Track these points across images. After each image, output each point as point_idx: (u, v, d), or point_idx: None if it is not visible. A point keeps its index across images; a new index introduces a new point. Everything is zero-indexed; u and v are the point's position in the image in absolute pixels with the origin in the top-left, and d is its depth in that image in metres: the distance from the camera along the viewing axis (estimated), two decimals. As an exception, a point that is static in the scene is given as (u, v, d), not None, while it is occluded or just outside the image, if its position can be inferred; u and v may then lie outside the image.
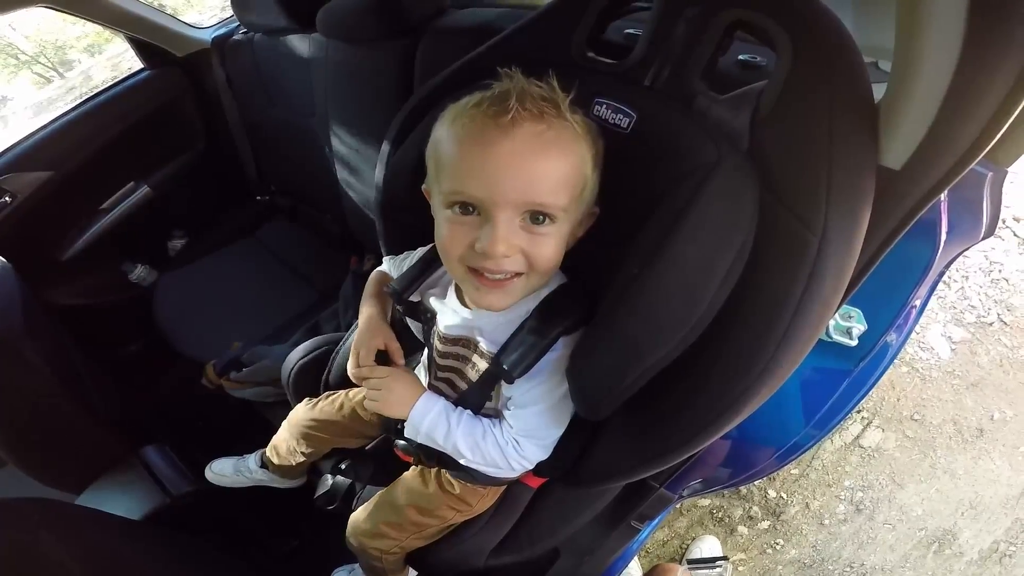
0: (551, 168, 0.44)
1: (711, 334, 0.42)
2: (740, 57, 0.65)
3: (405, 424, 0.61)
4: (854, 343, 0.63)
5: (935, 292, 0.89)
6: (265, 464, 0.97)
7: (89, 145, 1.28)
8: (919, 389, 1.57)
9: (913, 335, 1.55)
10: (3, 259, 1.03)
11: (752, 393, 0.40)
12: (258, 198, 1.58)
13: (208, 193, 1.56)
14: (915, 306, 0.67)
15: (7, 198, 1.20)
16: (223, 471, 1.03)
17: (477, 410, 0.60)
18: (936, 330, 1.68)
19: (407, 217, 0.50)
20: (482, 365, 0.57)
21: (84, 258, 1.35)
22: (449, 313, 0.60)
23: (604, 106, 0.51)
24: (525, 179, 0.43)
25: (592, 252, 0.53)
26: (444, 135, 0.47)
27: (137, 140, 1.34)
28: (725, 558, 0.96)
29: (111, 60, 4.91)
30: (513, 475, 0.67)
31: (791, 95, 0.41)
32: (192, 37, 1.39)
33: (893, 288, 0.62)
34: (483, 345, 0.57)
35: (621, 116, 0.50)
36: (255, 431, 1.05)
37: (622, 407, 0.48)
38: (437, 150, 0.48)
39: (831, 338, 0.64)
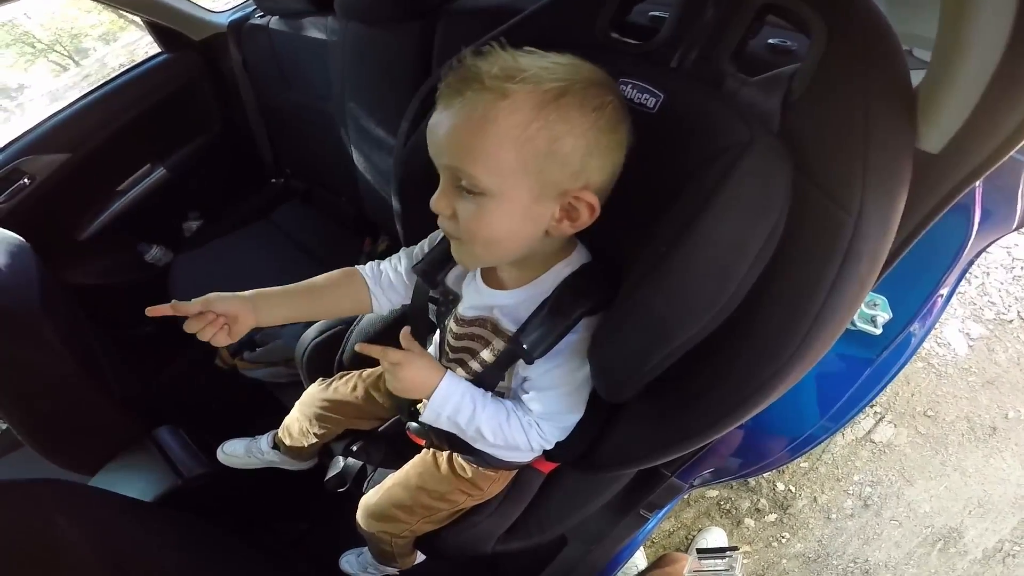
0: (471, 141, 0.44)
1: (740, 315, 0.41)
2: (770, 41, 0.63)
3: (425, 408, 0.59)
4: (878, 331, 0.62)
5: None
6: (277, 445, 0.97)
7: (106, 128, 1.29)
8: (934, 385, 1.55)
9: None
10: (22, 238, 1.04)
11: (781, 377, 0.39)
12: (273, 181, 1.59)
13: (224, 176, 1.57)
14: (941, 295, 0.66)
15: (25, 180, 1.21)
16: (235, 452, 1.04)
17: (490, 389, 0.60)
18: (954, 326, 1.65)
19: (425, 195, 0.50)
20: (499, 345, 0.57)
21: (101, 239, 1.36)
22: (471, 294, 0.60)
23: (630, 86, 0.50)
24: (445, 145, 0.46)
25: (618, 232, 0.52)
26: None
27: (153, 123, 1.35)
28: (735, 548, 0.96)
29: (126, 48, 4.93)
30: (529, 458, 0.67)
31: (826, 78, 0.41)
32: (208, 21, 1.39)
33: (920, 276, 0.61)
34: (503, 324, 0.56)
35: (647, 96, 0.49)
36: (268, 412, 1.06)
37: (643, 390, 0.47)
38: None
39: (855, 326, 0.63)
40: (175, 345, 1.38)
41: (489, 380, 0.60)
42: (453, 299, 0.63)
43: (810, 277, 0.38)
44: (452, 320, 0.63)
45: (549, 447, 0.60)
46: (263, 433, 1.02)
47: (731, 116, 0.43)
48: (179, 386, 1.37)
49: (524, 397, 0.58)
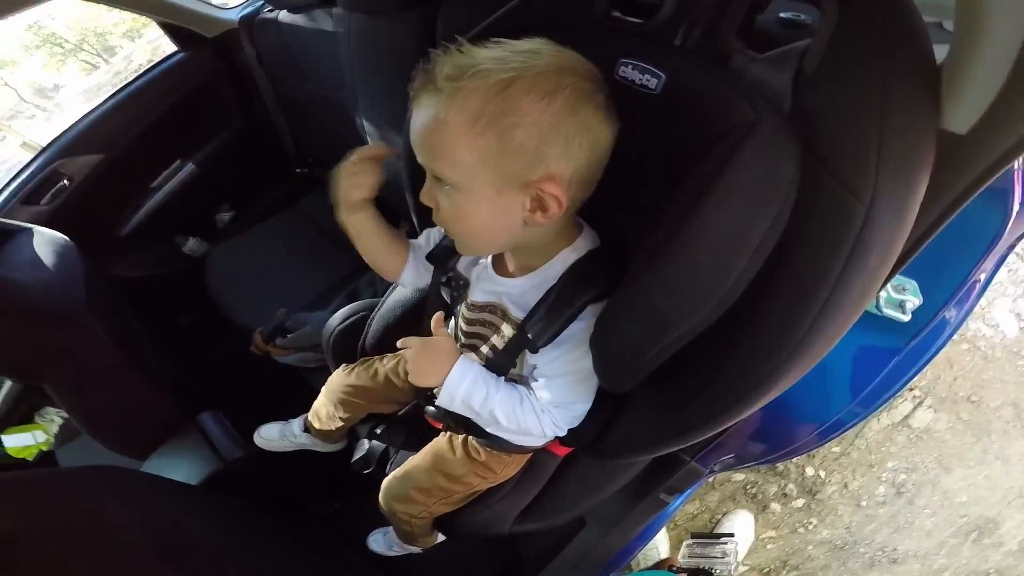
0: (434, 140, 0.46)
1: (741, 307, 0.40)
2: (781, 15, 0.59)
3: (440, 391, 0.60)
4: (907, 318, 0.59)
5: (1005, 264, 0.81)
6: (308, 429, 1.02)
7: (133, 128, 1.33)
8: (979, 369, 1.46)
9: (977, 310, 1.44)
10: (67, 238, 1.10)
11: (781, 373, 0.38)
12: (298, 171, 1.63)
13: (250, 168, 1.61)
14: (979, 280, 0.62)
15: (65, 181, 1.27)
16: (270, 436, 1.10)
17: (502, 375, 0.61)
18: (1003, 305, 1.55)
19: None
20: (509, 332, 0.58)
21: (140, 233, 1.43)
22: (482, 280, 0.61)
23: (631, 66, 0.48)
24: (416, 144, 0.48)
25: (625, 217, 0.51)
26: None
27: (178, 121, 1.39)
28: (731, 535, 0.95)
29: (151, 44, 5.06)
30: (542, 442, 0.68)
31: (838, 54, 0.38)
32: (219, 18, 1.40)
33: (955, 260, 0.57)
34: (512, 311, 0.57)
35: (649, 76, 0.47)
36: (301, 396, 1.09)
37: (646, 380, 0.47)
38: None
39: (881, 312, 0.60)
40: (213, 333, 1.47)
41: (500, 366, 0.60)
42: (464, 284, 0.64)
43: (815, 269, 0.36)
44: (464, 306, 0.64)
45: (562, 434, 0.61)
46: (296, 417, 1.07)
47: (735, 96, 0.41)
48: (218, 372, 1.44)
49: (534, 385, 0.59)
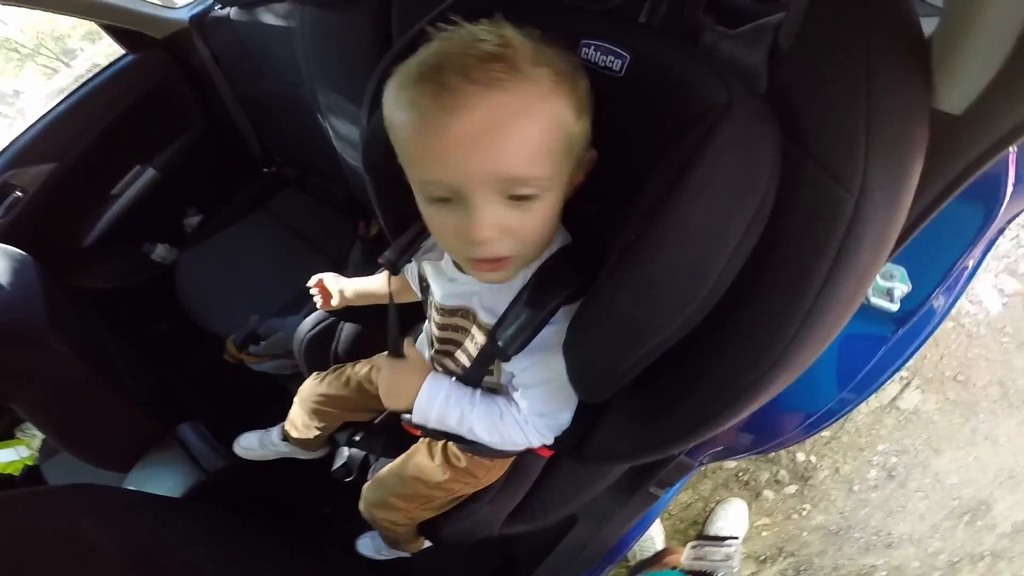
0: (520, 141, 0.38)
1: (722, 312, 0.36)
2: None
3: (412, 412, 0.57)
4: (895, 307, 0.56)
5: (989, 244, 0.80)
6: (286, 437, 0.99)
7: (85, 135, 1.27)
8: (964, 347, 1.46)
9: (960, 287, 1.44)
10: (23, 252, 1.05)
11: (763, 384, 0.34)
12: (265, 170, 1.57)
13: (216, 170, 1.55)
14: (967, 267, 0.60)
15: (18, 193, 1.21)
16: (250, 445, 1.07)
17: (477, 385, 0.58)
18: (987, 281, 1.54)
19: (394, 188, 0.46)
20: (480, 338, 0.54)
21: (105, 243, 1.37)
22: (445, 281, 0.57)
23: (592, 47, 0.44)
24: (491, 158, 0.37)
25: (593, 211, 0.48)
26: (393, 116, 0.41)
27: (133, 125, 1.33)
28: (735, 537, 0.94)
29: (112, 45, 4.91)
30: (525, 448, 0.66)
31: (815, 27, 0.34)
32: (168, 18, 1.34)
33: (943, 245, 0.54)
34: (481, 316, 0.53)
35: (612, 58, 0.43)
36: (280, 403, 1.07)
37: (624, 388, 0.44)
38: (393, 132, 0.42)
39: (869, 301, 0.57)
40: (189, 342, 1.43)
41: (475, 374, 0.57)
42: (427, 287, 0.60)
43: (800, 269, 0.32)
44: (433, 309, 0.60)
45: (548, 442, 0.58)
46: (276, 425, 1.05)
47: (706, 75, 0.37)
48: (196, 382, 1.41)
49: (515, 395, 0.56)
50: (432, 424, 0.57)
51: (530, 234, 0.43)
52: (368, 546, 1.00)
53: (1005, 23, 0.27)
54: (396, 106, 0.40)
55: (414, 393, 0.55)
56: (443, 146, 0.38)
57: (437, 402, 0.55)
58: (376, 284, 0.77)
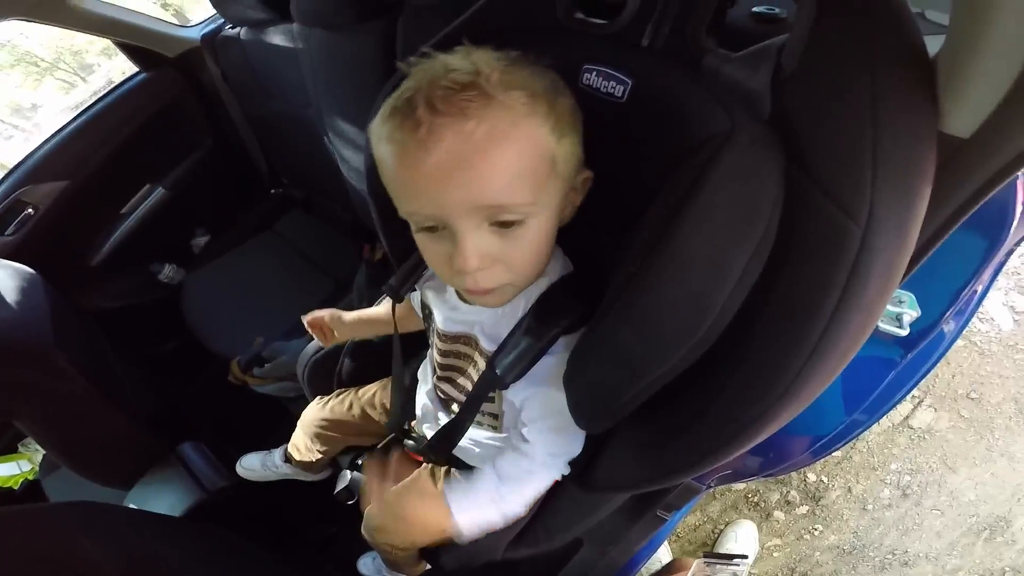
0: (496, 168, 0.37)
1: (725, 344, 0.35)
2: (754, 9, 0.56)
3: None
4: (905, 332, 0.55)
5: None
6: (289, 459, 0.99)
7: (98, 152, 1.29)
8: (977, 365, 1.44)
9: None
10: (31, 270, 1.06)
11: (768, 419, 0.33)
12: (272, 191, 1.59)
13: (223, 190, 1.57)
14: (976, 291, 0.59)
15: (29, 210, 1.23)
16: (252, 466, 1.06)
17: (472, 411, 0.57)
18: (997, 299, 1.53)
19: (396, 215, 0.46)
20: (482, 365, 0.54)
21: (113, 262, 1.39)
22: (447, 309, 0.57)
23: (595, 73, 0.44)
24: (467, 188, 0.38)
25: (596, 237, 0.48)
26: (376, 149, 0.42)
27: (144, 143, 1.35)
28: (744, 556, 0.92)
29: (127, 62, 5.00)
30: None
31: (819, 49, 0.34)
32: (180, 36, 1.36)
33: (952, 270, 0.53)
34: (483, 343, 0.53)
35: (615, 84, 0.43)
36: (283, 425, 1.07)
37: (627, 417, 0.43)
38: (379, 164, 0.43)
39: (878, 327, 0.56)
40: (195, 362, 1.43)
41: (475, 401, 0.56)
42: (429, 314, 0.60)
43: (806, 302, 0.31)
44: (436, 336, 0.60)
45: (565, 473, 0.57)
46: (279, 446, 1.04)
47: (708, 101, 0.37)
48: (200, 402, 1.41)
49: (525, 432, 0.54)
50: (480, 533, 0.55)
51: (519, 260, 0.43)
52: (369, 566, 0.98)
53: (1014, 42, 0.26)
54: (378, 140, 0.41)
55: (447, 519, 0.53)
56: (421, 179, 0.38)
57: (473, 513, 0.53)
58: (377, 312, 0.76)
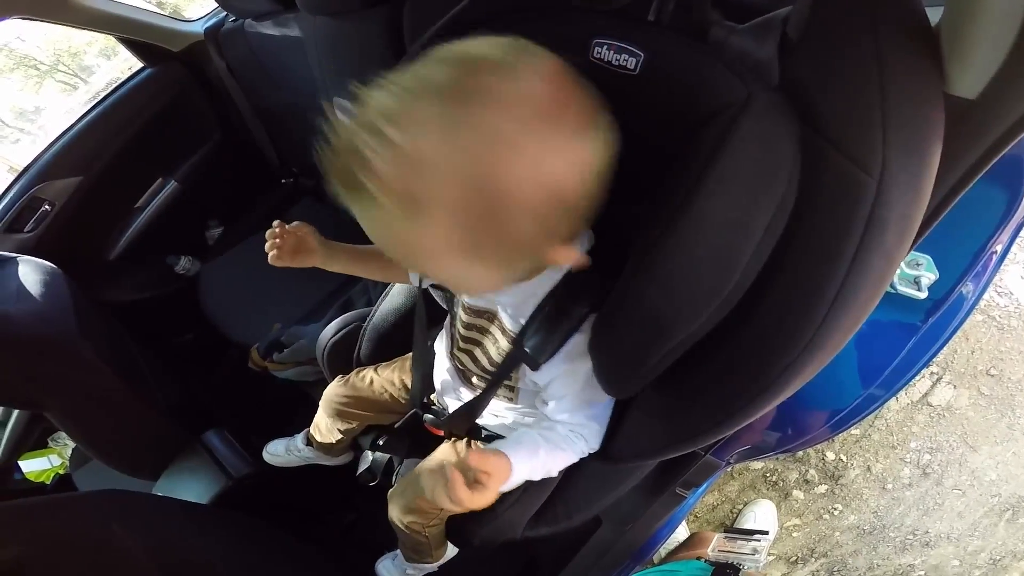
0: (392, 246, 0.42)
1: (748, 302, 0.36)
2: None
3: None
4: (923, 295, 0.55)
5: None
6: (311, 442, 1.00)
7: (109, 147, 1.30)
8: (996, 340, 1.41)
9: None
10: (54, 266, 1.09)
11: (794, 371, 0.34)
12: (283, 181, 1.61)
13: (234, 181, 1.58)
14: (996, 252, 0.58)
15: (47, 206, 1.25)
16: (277, 452, 1.08)
17: (496, 387, 0.58)
18: (1015, 272, 1.50)
19: None
20: (503, 343, 0.54)
21: (130, 256, 1.41)
22: None
23: (606, 47, 0.44)
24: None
25: (615, 211, 0.48)
26: None
27: (154, 137, 1.36)
28: (765, 532, 0.92)
29: (126, 61, 5.05)
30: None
31: (823, 17, 0.35)
32: (184, 31, 1.37)
33: (969, 231, 0.53)
34: (506, 321, 0.54)
35: (627, 56, 0.43)
36: (305, 410, 1.08)
37: (651, 382, 0.44)
38: None
39: (896, 290, 0.56)
40: (214, 351, 1.46)
41: (497, 376, 0.57)
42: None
43: (826, 254, 0.33)
44: (460, 308, 0.61)
45: (596, 449, 0.57)
46: (301, 431, 1.06)
47: (721, 71, 0.38)
48: (221, 390, 1.43)
49: (547, 410, 0.55)
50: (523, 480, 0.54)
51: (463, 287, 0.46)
52: (390, 568, 0.97)
53: (1009, 4, 0.27)
54: None
55: (507, 471, 0.51)
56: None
57: (525, 470, 0.52)
58: (371, 248, 0.73)
